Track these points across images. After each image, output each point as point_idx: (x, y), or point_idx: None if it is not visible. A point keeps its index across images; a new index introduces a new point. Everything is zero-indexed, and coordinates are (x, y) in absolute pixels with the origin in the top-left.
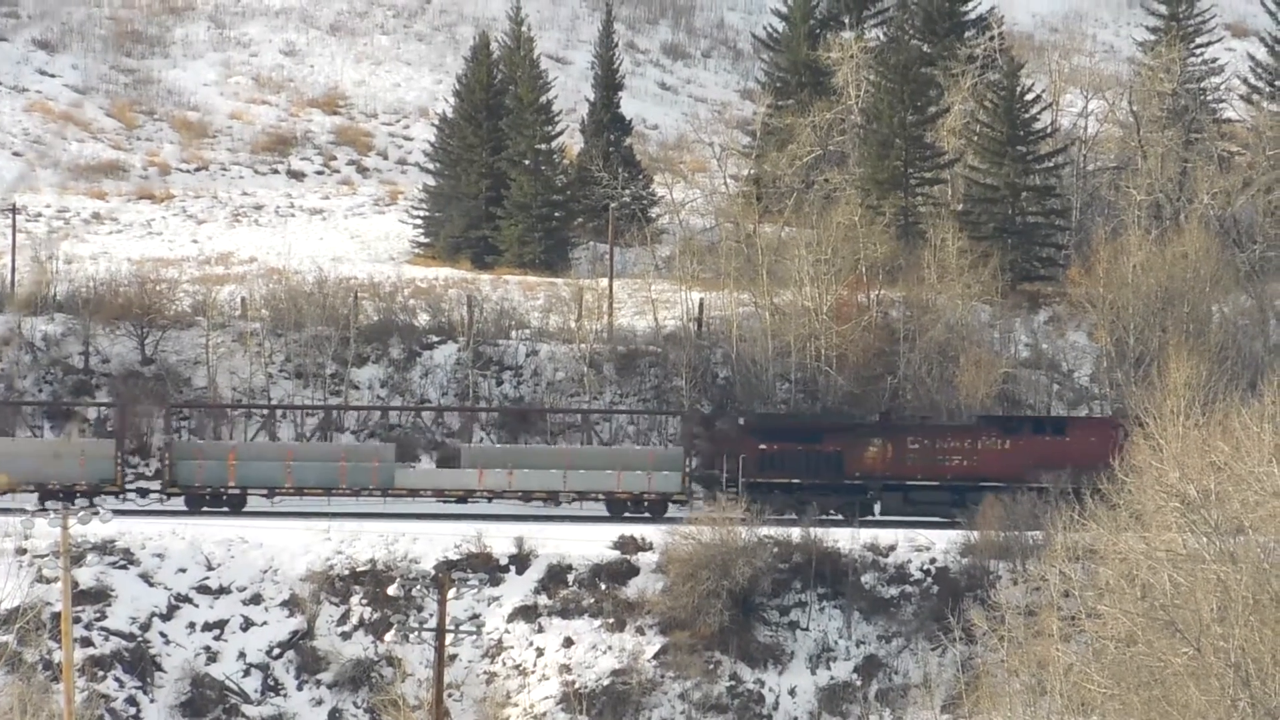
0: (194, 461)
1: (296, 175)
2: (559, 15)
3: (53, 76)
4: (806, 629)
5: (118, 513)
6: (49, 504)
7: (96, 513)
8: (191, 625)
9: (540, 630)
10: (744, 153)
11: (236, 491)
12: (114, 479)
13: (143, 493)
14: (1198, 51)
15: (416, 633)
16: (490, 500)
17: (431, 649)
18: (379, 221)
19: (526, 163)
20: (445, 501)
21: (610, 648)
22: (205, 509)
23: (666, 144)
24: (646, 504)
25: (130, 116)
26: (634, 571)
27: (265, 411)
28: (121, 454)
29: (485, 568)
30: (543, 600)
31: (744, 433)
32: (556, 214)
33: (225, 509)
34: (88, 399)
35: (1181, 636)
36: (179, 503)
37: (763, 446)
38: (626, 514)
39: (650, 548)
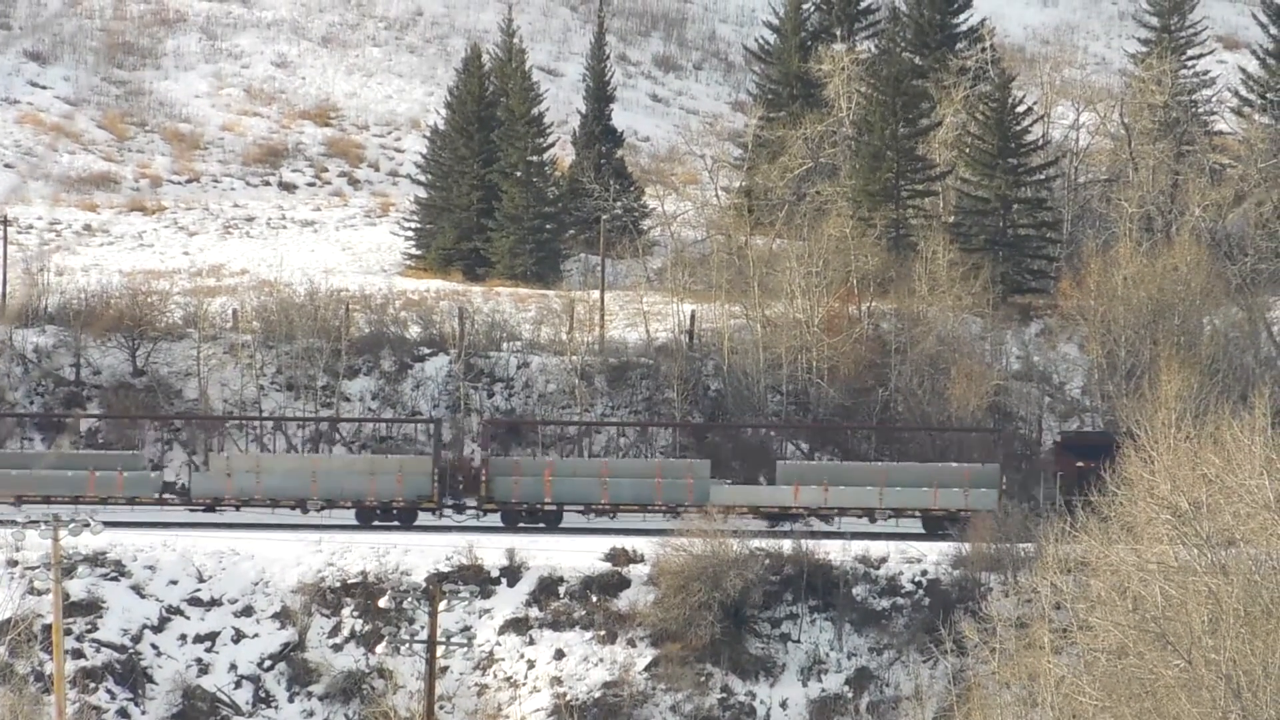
0: (510, 478)
1: (288, 187)
2: (550, 27)
3: (44, 88)
4: (798, 641)
5: (376, 526)
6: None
7: (87, 524)
8: (183, 637)
9: (531, 642)
10: (735, 165)
11: (553, 508)
12: (431, 496)
13: (460, 509)
14: (1189, 64)
15: (408, 645)
16: (806, 517)
17: (423, 661)
18: (370, 233)
19: (518, 174)
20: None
21: (601, 660)
22: (521, 525)
23: (658, 156)
24: (959, 520)
25: (121, 128)
26: (625, 584)
27: (260, 423)
28: (438, 470)
29: (476, 580)
30: (534, 612)
31: (1061, 450)
32: (548, 226)
33: (541, 525)
34: (409, 417)
35: (1173, 648)
36: (488, 519)
37: (1079, 464)
38: (940, 531)
39: (641, 560)
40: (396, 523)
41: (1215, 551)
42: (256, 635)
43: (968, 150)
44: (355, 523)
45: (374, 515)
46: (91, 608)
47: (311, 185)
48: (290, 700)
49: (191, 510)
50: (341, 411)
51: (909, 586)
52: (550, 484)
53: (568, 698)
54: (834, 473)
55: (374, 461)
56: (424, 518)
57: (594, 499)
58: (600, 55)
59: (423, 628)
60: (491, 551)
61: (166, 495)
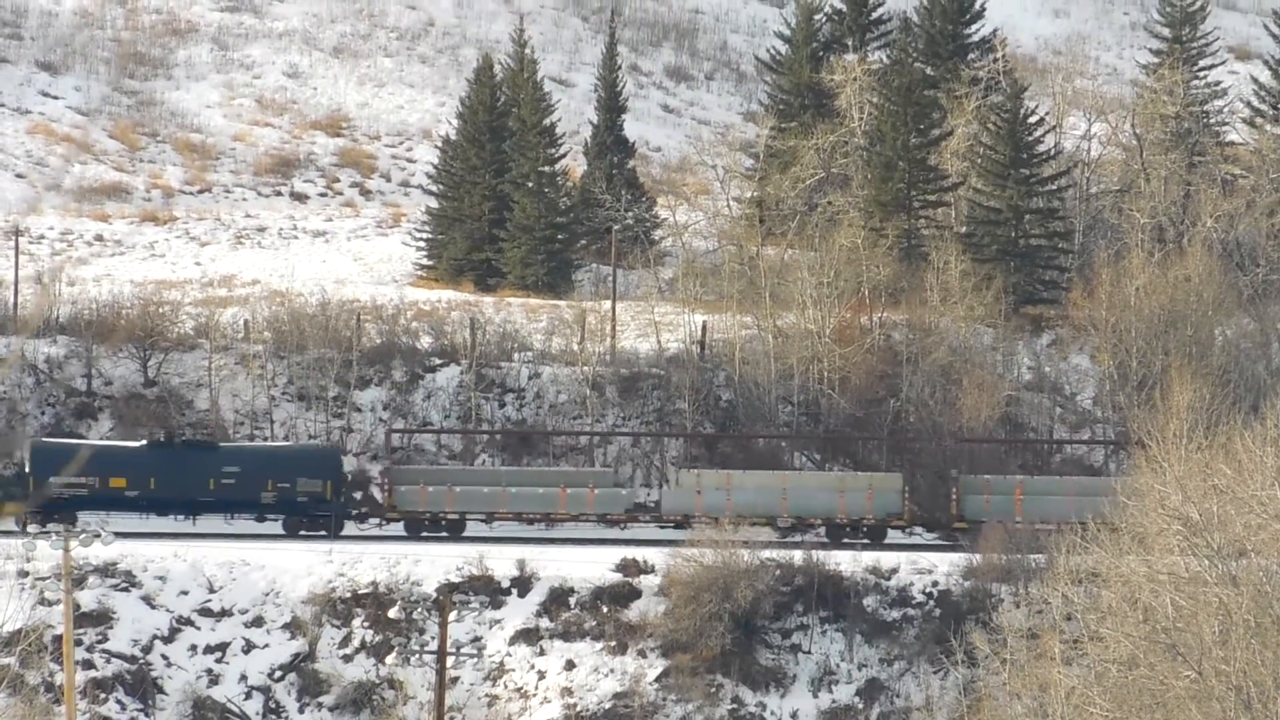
0: (981, 496)
1: (299, 197)
2: (562, 38)
3: (56, 98)
4: (808, 652)
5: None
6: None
7: (98, 534)
8: (193, 647)
9: (542, 653)
10: (747, 175)
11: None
12: (901, 513)
13: (930, 526)
14: (1201, 74)
15: (418, 655)
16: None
17: (433, 671)
18: (382, 243)
19: (529, 185)
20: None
21: (612, 670)
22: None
23: (669, 166)
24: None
25: (133, 138)
26: (636, 594)
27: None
28: (908, 488)
29: (487, 590)
30: (544, 623)
31: None
32: (559, 236)
33: None
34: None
35: (1183, 660)
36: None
37: None
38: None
39: (652, 570)
40: (866, 540)
41: (1226, 563)
42: (267, 646)
43: (979, 160)
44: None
45: (843, 533)
46: (102, 618)
47: (323, 195)
48: (300, 711)
49: (661, 527)
50: (351, 422)
51: (920, 597)
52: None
53: (578, 708)
54: (736, 480)
55: (844, 479)
56: (892, 535)
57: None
58: (612, 65)
59: (433, 638)
60: (502, 562)
61: (636, 513)
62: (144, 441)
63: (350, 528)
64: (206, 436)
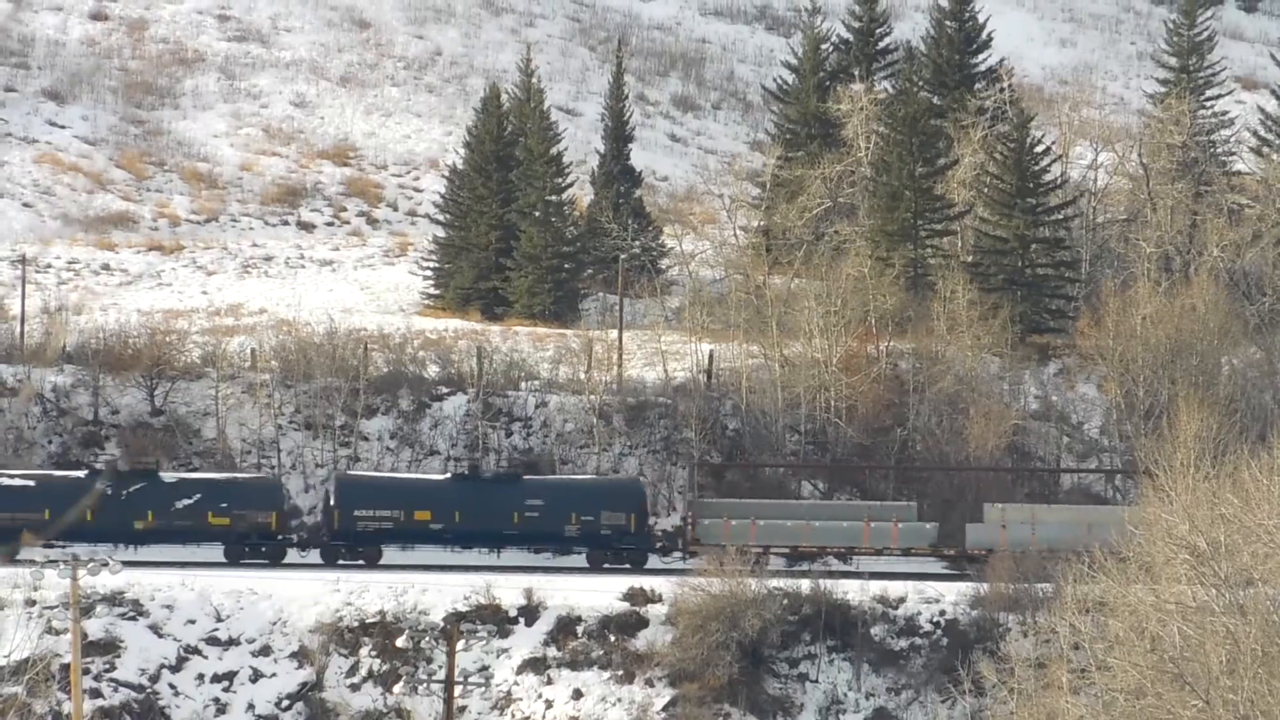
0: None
1: (306, 226)
2: (569, 67)
3: (63, 128)
4: (816, 681)
5: None
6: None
7: (105, 563)
8: (200, 677)
9: (549, 682)
10: (754, 204)
11: None
12: None
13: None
14: (1208, 104)
15: (425, 684)
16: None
17: (440, 701)
18: (389, 273)
19: (536, 214)
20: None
21: (620, 700)
22: None
23: (676, 195)
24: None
25: (140, 168)
26: (643, 623)
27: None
28: None
29: (494, 619)
30: (552, 652)
31: None
32: (566, 265)
33: None
34: None
35: (1191, 689)
36: None
37: None
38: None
39: (659, 599)
40: None
41: (1233, 592)
42: (274, 675)
43: (986, 190)
44: None
45: None
46: (109, 647)
47: (330, 225)
48: None
49: (964, 563)
50: (359, 451)
51: (927, 626)
52: None
53: None
54: (1041, 514)
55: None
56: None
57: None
58: (619, 95)
59: (440, 667)
60: (509, 591)
61: (940, 547)
62: (449, 474)
63: (654, 560)
64: (510, 469)
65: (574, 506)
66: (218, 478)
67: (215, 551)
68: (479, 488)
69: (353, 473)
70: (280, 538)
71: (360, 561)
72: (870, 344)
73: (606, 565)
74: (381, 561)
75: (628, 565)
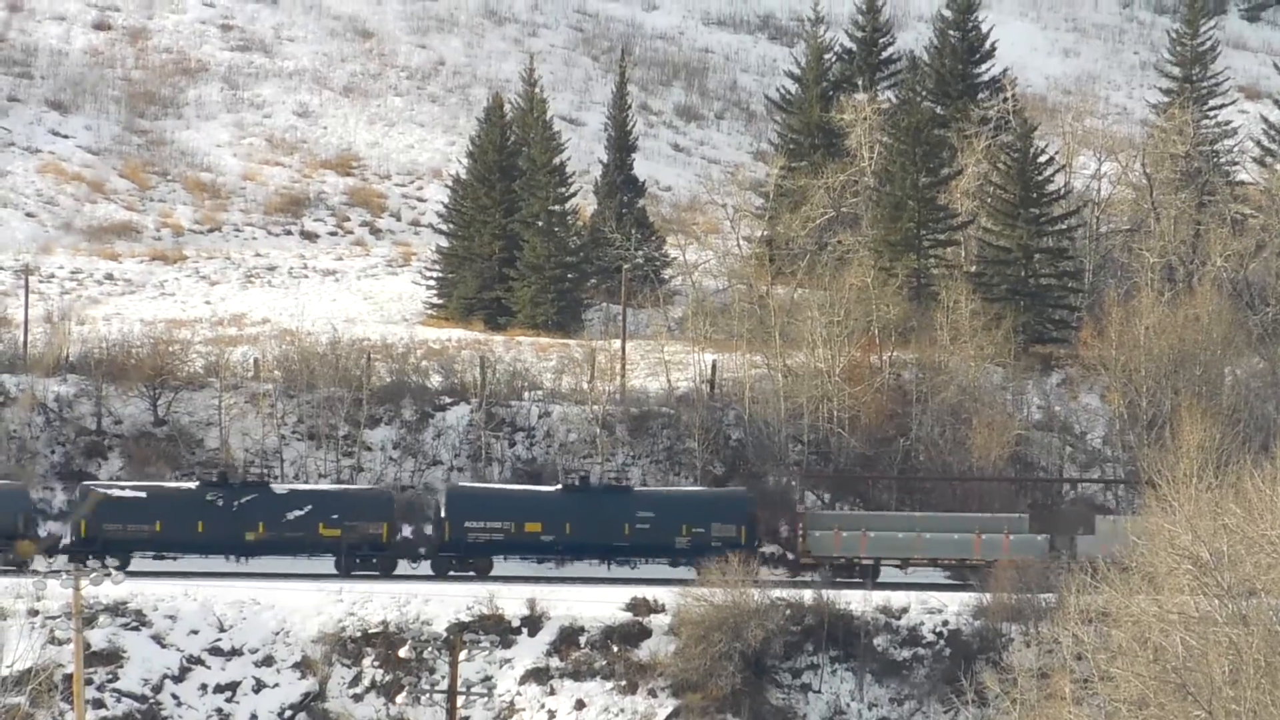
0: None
1: (309, 236)
2: (572, 77)
3: (66, 137)
4: (819, 691)
5: None
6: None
7: (109, 574)
8: (203, 687)
9: (552, 692)
10: (757, 214)
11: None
12: None
13: None
14: (1211, 114)
15: (428, 695)
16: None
17: (443, 711)
18: (392, 282)
19: (539, 224)
20: None
21: (623, 710)
22: None
23: (679, 205)
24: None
25: (143, 178)
26: (646, 633)
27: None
28: None
29: (497, 629)
30: (555, 662)
31: None
32: (569, 275)
33: None
34: None
35: (1194, 699)
36: None
37: None
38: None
39: (662, 610)
40: None
41: (1236, 602)
42: (277, 685)
43: (989, 200)
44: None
45: None
46: (112, 657)
47: (333, 234)
48: None
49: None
50: (362, 461)
51: (930, 637)
52: None
53: None
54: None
55: None
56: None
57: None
58: (622, 105)
59: (443, 677)
60: (512, 601)
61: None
62: (559, 486)
63: (764, 573)
64: (622, 482)
65: (685, 518)
66: (330, 489)
67: (326, 563)
68: (590, 499)
69: (463, 484)
70: (391, 549)
71: (471, 573)
72: (873, 354)
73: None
74: (492, 573)
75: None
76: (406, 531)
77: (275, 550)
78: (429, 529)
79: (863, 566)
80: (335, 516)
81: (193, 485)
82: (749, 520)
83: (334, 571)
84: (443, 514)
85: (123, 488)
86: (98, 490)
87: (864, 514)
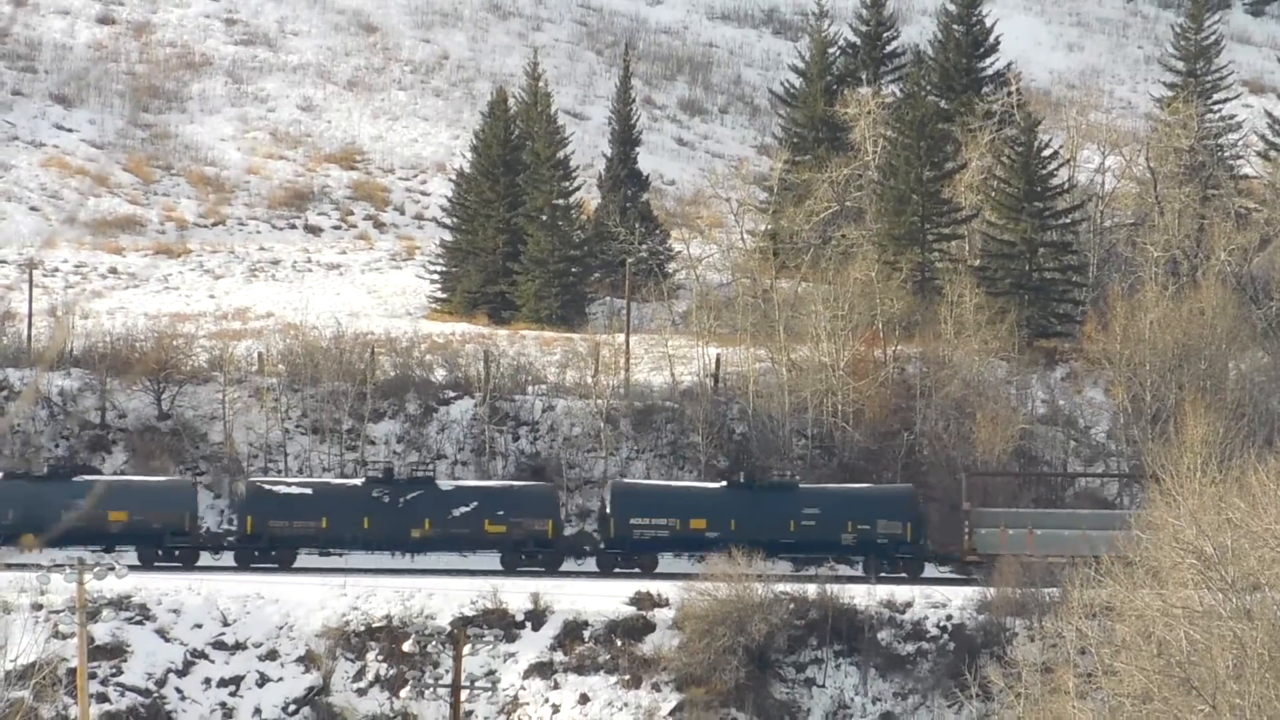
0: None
1: (313, 230)
2: (576, 71)
3: (70, 131)
4: (823, 686)
5: None
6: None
7: (112, 568)
8: (207, 681)
9: (556, 687)
10: (761, 208)
11: None
12: None
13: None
14: (1215, 108)
15: (432, 689)
16: None
17: (447, 705)
18: (396, 276)
19: (543, 218)
20: None
21: (626, 704)
22: None
23: (683, 199)
24: None
25: (147, 171)
26: (650, 628)
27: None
28: None
29: (501, 624)
30: (559, 657)
31: None
32: (573, 269)
33: None
34: None
35: (1197, 694)
36: None
37: None
38: None
39: (666, 604)
40: None
41: (1240, 596)
42: (281, 679)
43: (993, 194)
44: None
45: None
46: (116, 651)
47: (337, 228)
48: None
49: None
50: (366, 455)
51: (934, 631)
52: None
53: None
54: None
55: None
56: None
57: None
58: (626, 99)
59: (447, 672)
60: (516, 596)
61: None
62: (723, 483)
63: (929, 570)
64: (789, 477)
65: (850, 515)
66: (495, 485)
67: (492, 560)
68: (754, 496)
69: (629, 481)
70: (556, 546)
71: (636, 570)
72: (877, 348)
73: (883, 575)
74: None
75: (904, 575)
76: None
77: (440, 547)
78: (588, 524)
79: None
80: (501, 513)
81: (358, 482)
82: (915, 517)
83: (499, 568)
84: (609, 510)
85: (289, 484)
86: (264, 487)
87: (1030, 511)
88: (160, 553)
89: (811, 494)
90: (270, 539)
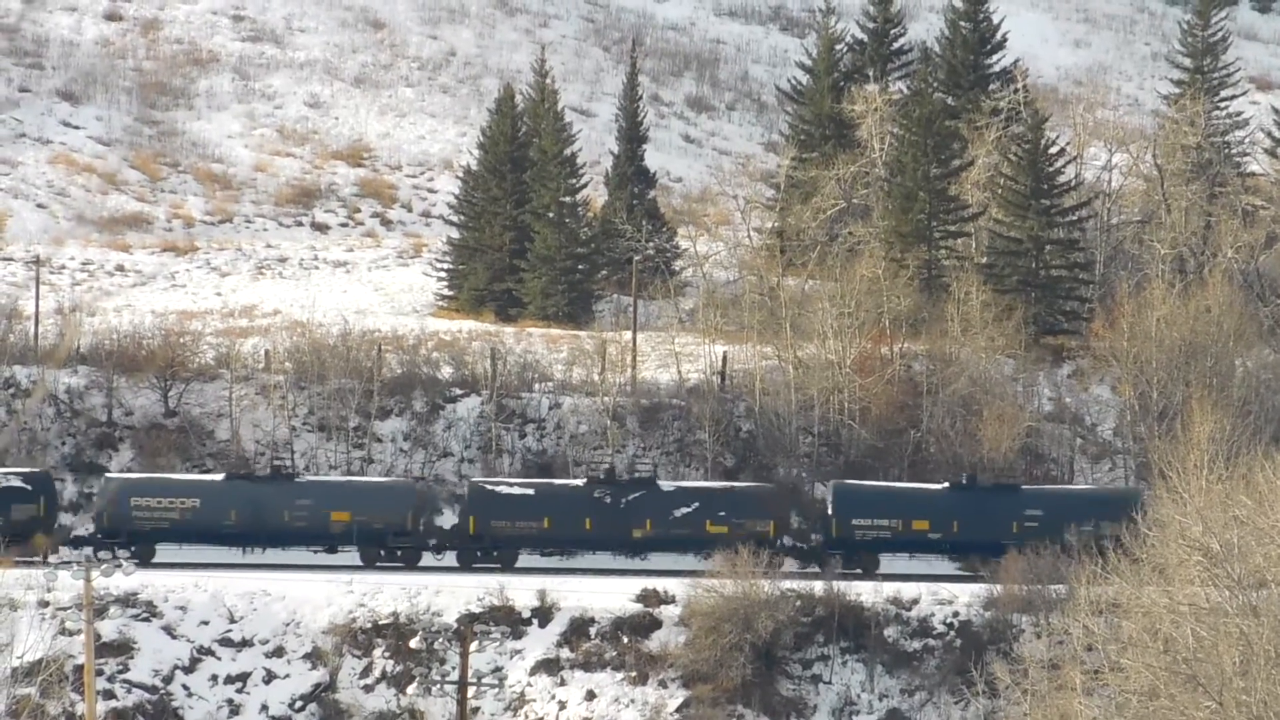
0: None
1: (320, 227)
2: (583, 68)
3: (77, 128)
4: (829, 682)
5: None
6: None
7: (119, 565)
8: (214, 678)
9: (563, 683)
10: (768, 205)
11: None
12: None
13: None
14: (1222, 105)
15: (439, 686)
16: None
17: (454, 702)
18: (403, 274)
19: (550, 215)
20: None
21: (633, 701)
22: None
23: (690, 196)
24: None
25: (154, 169)
26: (656, 624)
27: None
28: None
29: (507, 621)
30: (565, 653)
31: None
32: (580, 267)
33: None
34: None
35: (1204, 690)
36: None
37: None
38: None
39: (673, 600)
40: None
41: (1247, 593)
42: (288, 676)
43: (1000, 191)
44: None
45: None
46: (123, 648)
47: (344, 226)
48: None
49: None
50: (372, 453)
51: (940, 628)
52: None
53: None
54: None
55: None
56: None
57: None
58: (633, 96)
59: (454, 668)
60: (523, 592)
61: None
62: (945, 484)
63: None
64: (1012, 479)
65: (1073, 516)
66: (716, 486)
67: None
68: (977, 497)
69: (851, 482)
70: (776, 546)
71: (858, 570)
72: (884, 345)
73: None
74: (879, 570)
75: None
76: None
77: (661, 548)
78: (801, 524)
79: None
80: (723, 514)
81: (579, 482)
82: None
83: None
84: (829, 511)
85: (510, 484)
86: (486, 487)
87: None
88: (383, 553)
89: (1034, 496)
90: (493, 539)
